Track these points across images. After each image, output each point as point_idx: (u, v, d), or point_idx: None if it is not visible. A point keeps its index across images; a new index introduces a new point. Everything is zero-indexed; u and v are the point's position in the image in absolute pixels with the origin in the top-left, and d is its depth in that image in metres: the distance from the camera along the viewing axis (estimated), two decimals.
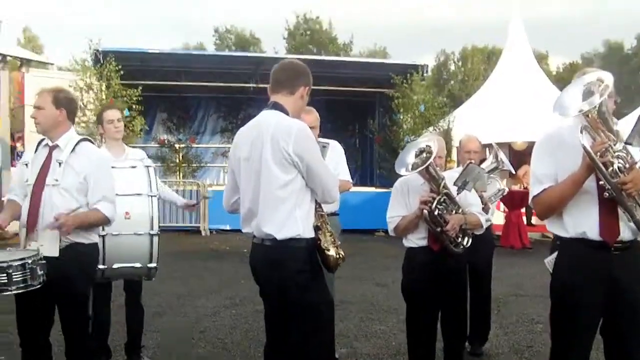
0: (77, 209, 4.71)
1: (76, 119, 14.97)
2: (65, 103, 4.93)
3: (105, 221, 4.88)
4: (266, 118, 4.25)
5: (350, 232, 13.97)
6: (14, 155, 19.33)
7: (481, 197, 6.08)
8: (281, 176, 4.09)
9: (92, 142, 5.06)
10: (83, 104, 17.42)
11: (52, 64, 22.02)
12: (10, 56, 16.82)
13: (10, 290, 4.32)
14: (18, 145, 19.90)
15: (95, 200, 4.80)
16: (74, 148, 4.86)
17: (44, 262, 4.49)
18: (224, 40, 53.78)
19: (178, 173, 19.76)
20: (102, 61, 17.61)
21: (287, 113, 4.24)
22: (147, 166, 5.91)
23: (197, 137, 21.97)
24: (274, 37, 61.75)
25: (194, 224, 17.43)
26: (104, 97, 17.54)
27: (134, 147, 7.32)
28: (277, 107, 4.26)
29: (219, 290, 10.07)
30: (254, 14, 72.56)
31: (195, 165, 20.54)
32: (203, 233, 17.26)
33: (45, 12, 75.56)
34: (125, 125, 7.15)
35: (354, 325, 8.08)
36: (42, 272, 4.46)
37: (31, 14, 76.36)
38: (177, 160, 20.05)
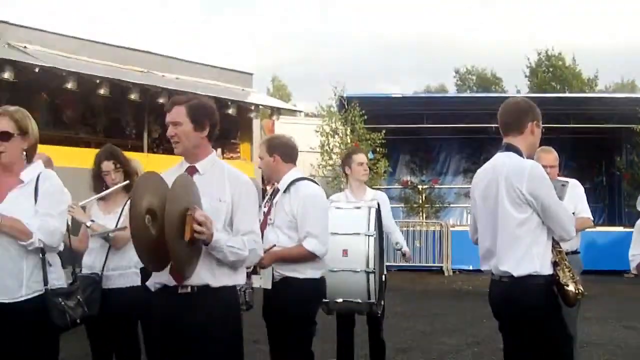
0: (275, 245, 4.94)
1: (323, 162, 15.74)
2: (277, 148, 5.22)
3: (309, 257, 4.96)
4: (500, 159, 4.26)
5: (597, 272, 13.34)
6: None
7: None
8: (516, 215, 4.08)
9: (312, 181, 5.28)
10: (329, 148, 18.22)
11: (300, 112, 23.16)
12: (263, 106, 17.95)
13: None
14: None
15: (301, 236, 4.97)
16: (287, 188, 5.08)
17: (251, 290, 4.80)
18: (465, 81, 53.66)
19: (421, 213, 19.93)
20: (346, 107, 18.32)
21: (520, 153, 4.23)
22: (370, 207, 6.05)
23: (440, 177, 22.04)
24: (516, 76, 60.73)
25: (437, 263, 17.48)
26: (348, 140, 18.23)
27: (378, 188, 7.55)
28: (510, 148, 4.26)
29: (461, 329, 10.02)
30: (495, 53, 71.99)
31: (438, 205, 20.61)
32: (446, 273, 17.24)
33: (293, 62, 79.80)
34: (369, 168, 7.42)
35: None
36: (249, 299, 4.77)
37: (279, 64, 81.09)
38: (420, 201, 20.23)
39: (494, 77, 52.97)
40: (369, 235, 5.82)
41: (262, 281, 4.94)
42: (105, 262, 5.27)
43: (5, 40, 13.33)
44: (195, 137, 3.85)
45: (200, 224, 3.47)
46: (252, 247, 3.78)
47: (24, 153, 4.04)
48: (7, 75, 12.35)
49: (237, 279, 3.91)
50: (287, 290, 4.94)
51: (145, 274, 4.57)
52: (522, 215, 4.08)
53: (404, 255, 7.12)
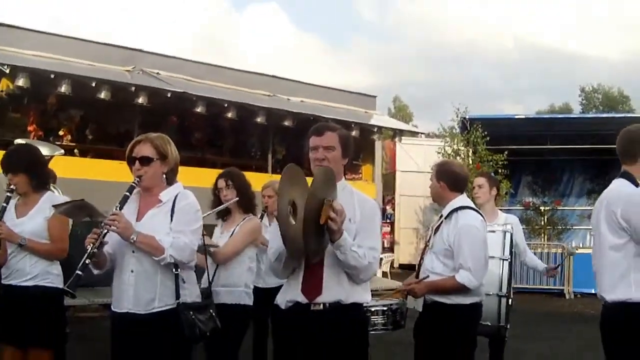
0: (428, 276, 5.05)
1: None
2: (443, 175, 5.21)
3: (461, 289, 4.92)
4: (611, 185, 4.30)
5: None
6: (384, 217, 20.70)
7: None
8: (612, 240, 4.10)
9: (475, 210, 5.23)
10: None
11: (422, 134, 23.18)
12: (385, 128, 18.10)
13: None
14: (388, 207, 21.32)
15: (455, 267, 4.97)
16: (449, 215, 5.11)
17: (404, 311, 4.98)
18: (590, 100, 52.15)
19: (543, 235, 19.54)
20: (469, 128, 18.23)
21: (634, 181, 4.21)
22: (505, 231, 6.07)
23: (563, 199, 21.52)
24: None
25: (559, 286, 17.10)
26: (470, 162, 18.11)
27: (501, 209, 7.51)
28: (624, 175, 4.26)
29: (580, 353, 9.84)
30: (622, 71, 69.48)
31: (560, 227, 20.13)
32: (567, 296, 16.84)
33: (414, 82, 79.70)
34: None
35: None
36: (400, 319, 4.95)
37: (400, 84, 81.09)
38: (542, 223, 19.83)
39: (621, 96, 51.27)
40: (503, 259, 5.88)
41: (413, 302, 5.08)
42: (213, 277, 5.43)
43: (140, 67, 14.07)
44: (340, 163, 4.05)
45: (335, 212, 3.64)
46: (370, 260, 3.90)
47: (164, 176, 4.30)
48: (141, 100, 13.04)
49: (365, 296, 4.04)
50: (436, 315, 4.97)
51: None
52: (618, 240, 4.07)
53: (547, 271, 7.14)
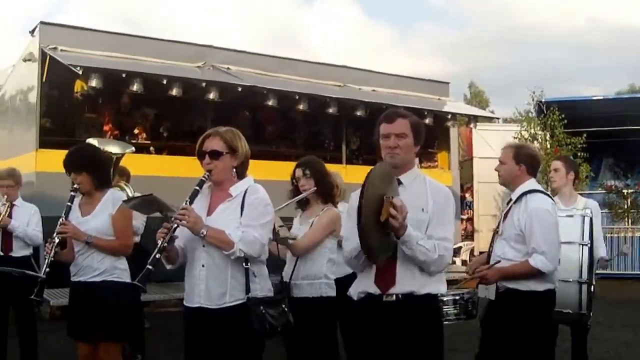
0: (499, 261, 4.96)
1: None
2: (525, 158, 5.18)
3: (536, 273, 4.86)
4: None
5: None
6: (463, 205, 20.40)
7: None
8: None
9: (544, 193, 5.17)
10: None
11: (498, 119, 22.78)
12: (460, 114, 17.84)
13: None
14: (467, 195, 20.99)
15: (528, 251, 4.90)
16: (519, 198, 5.06)
17: (475, 300, 4.85)
18: None
19: (627, 219, 18.95)
20: (545, 111, 17.85)
21: None
22: (584, 216, 5.90)
23: None
24: None
25: None
26: (548, 146, 17.73)
27: (582, 194, 7.33)
28: None
29: None
30: None
31: None
32: None
33: (489, 66, 78.48)
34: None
35: None
36: (471, 308, 4.82)
37: (475, 69, 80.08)
38: (625, 206, 19.23)
39: None
40: (583, 245, 5.72)
41: (485, 291, 5.00)
42: (293, 270, 5.42)
43: (210, 63, 14.12)
44: (411, 151, 3.99)
45: (396, 209, 3.56)
46: (441, 253, 3.82)
47: (234, 170, 4.30)
48: (212, 95, 13.08)
49: (440, 287, 3.97)
50: (510, 302, 4.92)
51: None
52: None
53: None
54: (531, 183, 5.13)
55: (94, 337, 5.02)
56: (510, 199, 5.17)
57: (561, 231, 5.22)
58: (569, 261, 5.53)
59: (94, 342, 5.03)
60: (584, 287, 5.58)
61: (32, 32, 12.91)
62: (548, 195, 5.20)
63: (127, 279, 5.13)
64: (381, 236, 3.65)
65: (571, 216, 5.91)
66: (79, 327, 5.09)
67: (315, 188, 5.51)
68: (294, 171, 5.64)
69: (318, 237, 5.44)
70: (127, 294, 5.12)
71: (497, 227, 5.22)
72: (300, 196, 5.53)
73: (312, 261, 5.42)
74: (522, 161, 5.13)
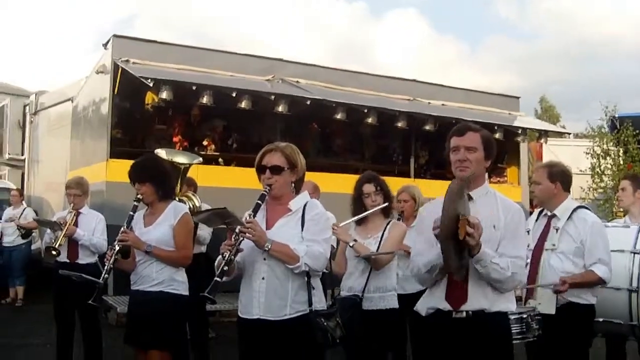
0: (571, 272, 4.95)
1: (593, 185, 15.15)
2: (558, 176, 5.23)
3: (599, 282, 5.01)
4: None
5: None
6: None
7: None
8: None
9: (588, 208, 5.30)
10: (600, 170, 17.36)
11: (569, 134, 22.35)
12: (530, 129, 17.54)
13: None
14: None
15: (590, 263, 4.99)
16: (570, 215, 5.11)
17: (539, 317, 4.71)
18: None
19: None
20: (618, 127, 17.45)
21: None
22: None
23: None
24: None
25: None
26: (621, 162, 17.32)
27: None
28: None
29: None
30: None
31: None
32: None
33: (559, 80, 77.14)
34: None
35: None
36: (537, 326, 4.67)
37: (546, 83, 78.84)
38: None
39: None
40: (635, 253, 5.63)
41: (542, 307, 4.92)
42: (366, 283, 5.40)
43: (279, 76, 14.17)
44: (482, 166, 3.95)
45: (472, 227, 3.51)
46: (515, 270, 3.76)
47: (293, 185, 4.35)
48: (281, 108, 13.09)
49: (510, 305, 3.93)
50: (570, 315, 4.95)
51: None
52: None
53: None
54: (571, 200, 5.30)
55: (145, 344, 5.13)
56: (545, 216, 5.28)
57: (613, 239, 5.30)
58: (619, 268, 5.50)
59: (145, 349, 5.13)
60: (634, 295, 5.51)
61: (105, 45, 13.16)
62: (588, 208, 5.35)
63: (185, 292, 5.25)
64: (460, 254, 3.63)
65: (627, 227, 5.97)
66: (134, 334, 5.22)
67: (387, 204, 5.57)
68: (362, 186, 5.65)
69: (394, 250, 5.52)
70: (181, 306, 5.25)
71: (539, 243, 5.20)
72: (372, 210, 5.58)
73: (383, 274, 5.49)
74: (557, 179, 5.21)
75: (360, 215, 5.60)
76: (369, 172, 5.94)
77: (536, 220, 5.37)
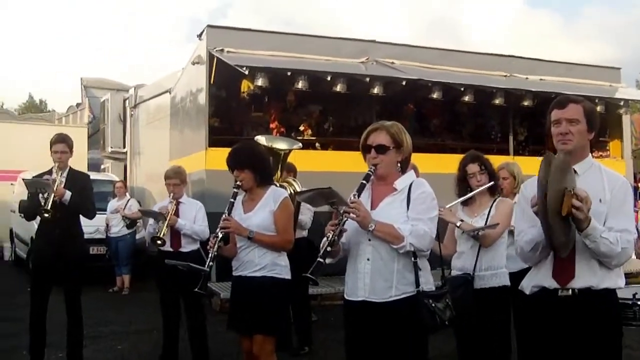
0: None
1: None
2: None
3: None
4: None
5: None
6: (636, 195, 19.27)
7: None
8: None
9: None
10: None
11: None
12: (633, 100, 16.89)
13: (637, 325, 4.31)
14: None
15: None
16: None
17: None
18: None
19: None
20: None
21: None
22: None
23: None
24: None
25: None
26: None
27: None
28: None
29: None
30: None
31: None
32: None
33: None
34: None
35: None
36: None
37: None
38: None
39: None
40: None
41: None
42: (476, 262, 5.33)
43: (374, 58, 14.08)
44: (585, 138, 3.79)
45: (580, 200, 3.38)
46: (624, 245, 3.58)
47: (399, 165, 4.25)
48: (376, 90, 13.04)
49: (618, 281, 3.75)
50: None
51: None
52: None
53: None
54: None
55: (248, 329, 5.16)
56: None
57: None
58: None
59: (249, 335, 5.17)
60: None
61: (199, 35, 13.37)
62: None
63: (287, 276, 5.25)
64: (565, 230, 3.47)
65: None
66: (237, 320, 5.25)
67: (492, 182, 5.50)
68: (465, 167, 5.58)
69: (505, 227, 5.41)
70: (285, 290, 5.25)
71: None
72: (479, 190, 5.50)
73: (493, 252, 5.40)
74: None
75: (466, 196, 5.51)
76: (472, 152, 5.80)
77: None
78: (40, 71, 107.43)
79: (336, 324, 8.85)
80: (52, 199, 6.58)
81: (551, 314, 3.72)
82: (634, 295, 4.22)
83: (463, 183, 5.57)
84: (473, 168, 5.50)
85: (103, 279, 13.01)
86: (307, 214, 8.11)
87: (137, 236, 13.69)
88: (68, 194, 6.72)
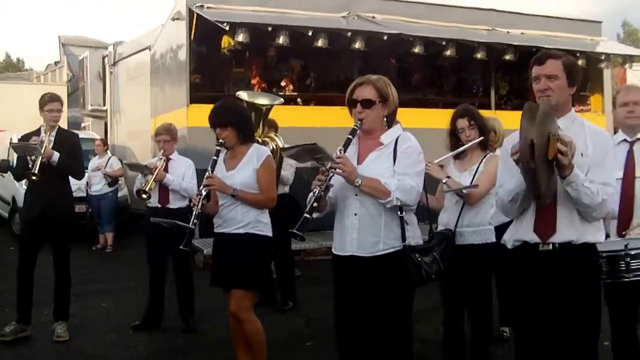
0: None
1: None
2: None
3: None
4: None
5: None
6: None
7: None
8: None
9: None
10: None
11: None
12: (614, 54, 16.88)
13: (627, 278, 4.28)
14: None
15: None
16: None
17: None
18: None
19: None
20: None
21: None
22: None
23: None
24: None
25: None
26: None
27: None
28: None
29: None
30: None
31: None
32: None
33: None
34: None
35: None
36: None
37: (628, 7, 75.61)
38: None
39: None
40: None
41: None
42: (458, 218, 5.34)
43: (355, 12, 13.96)
44: (566, 93, 3.79)
45: (564, 144, 3.38)
46: (604, 197, 3.60)
47: (385, 119, 4.24)
48: (358, 45, 12.97)
49: (598, 236, 3.78)
50: None
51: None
52: None
53: None
54: None
55: (229, 285, 5.21)
56: (625, 142, 4.83)
57: None
58: None
59: (228, 289, 5.23)
60: None
61: None
62: None
63: (269, 233, 5.28)
64: (548, 176, 3.49)
65: None
66: (220, 276, 5.29)
67: (482, 138, 5.43)
68: (456, 121, 5.50)
69: (489, 185, 5.30)
70: (266, 247, 5.30)
71: (627, 171, 4.76)
72: (468, 145, 5.44)
73: (477, 208, 5.36)
74: None
75: (454, 152, 5.45)
76: (463, 106, 5.70)
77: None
78: (17, 30, 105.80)
79: (320, 278, 8.94)
80: (39, 162, 6.56)
81: (532, 268, 3.74)
82: (625, 246, 4.19)
83: (454, 138, 5.52)
84: (462, 123, 5.43)
85: (86, 237, 13.00)
86: (289, 169, 8.11)
87: (119, 194, 13.67)
88: (56, 155, 6.69)
